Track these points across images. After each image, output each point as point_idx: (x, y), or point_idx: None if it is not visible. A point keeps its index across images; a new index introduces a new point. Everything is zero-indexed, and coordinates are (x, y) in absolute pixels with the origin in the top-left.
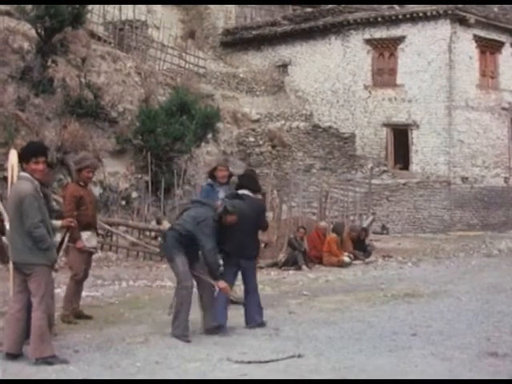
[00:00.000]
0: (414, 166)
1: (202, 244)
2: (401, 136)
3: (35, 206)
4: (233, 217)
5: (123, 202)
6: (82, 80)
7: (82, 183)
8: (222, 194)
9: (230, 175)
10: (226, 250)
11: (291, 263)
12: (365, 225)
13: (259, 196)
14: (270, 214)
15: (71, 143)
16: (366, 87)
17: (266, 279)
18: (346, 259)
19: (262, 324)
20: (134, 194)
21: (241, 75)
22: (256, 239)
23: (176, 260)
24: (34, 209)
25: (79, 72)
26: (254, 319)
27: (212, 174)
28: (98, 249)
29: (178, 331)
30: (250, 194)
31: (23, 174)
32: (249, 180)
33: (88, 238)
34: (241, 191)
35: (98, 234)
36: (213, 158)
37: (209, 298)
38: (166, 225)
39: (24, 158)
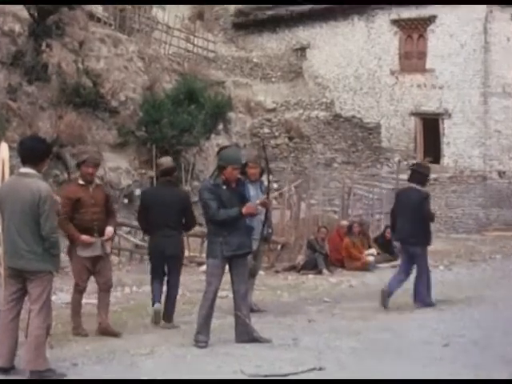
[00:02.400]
0: (446, 160)
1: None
2: (431, 126)
3: (54, 208)
4: None
5: (125, 200)
6: (80, 66)
7: (82, 182)
8: (252, 192)
9: (262, 171)
10: (396, 237)
11: (311, 267)
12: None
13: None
14: (287, 213)
15: (68, 135)
16: (392, 72)
17: (284, 284)
18: (370, 258)
19: (430, 304)
20: (138, 192)
21: (254, 60)
22: (423, 228)
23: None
24: (54, 211)
25: (76, 57)
26: (424, 301)
27: (243, 171)
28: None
29: (195, 336)
30: (418, 187)
31: (30, 170)
32: (419, 175)
33: (84, 246)
34: (410, 185)
35: (111, 239)
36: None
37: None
38: None
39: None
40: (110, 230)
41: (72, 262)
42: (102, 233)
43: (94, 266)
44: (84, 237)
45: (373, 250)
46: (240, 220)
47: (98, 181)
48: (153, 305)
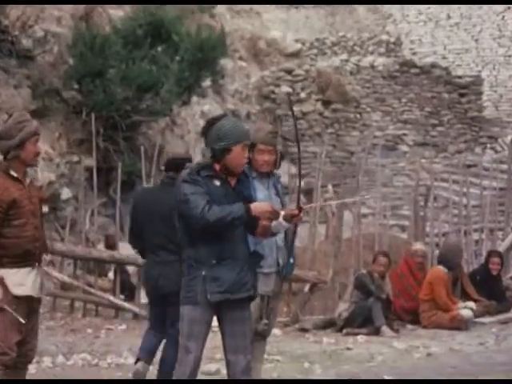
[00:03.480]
0: None
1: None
2: None
3: None
4: None
5: (45, 209)
6: None
7: (13, 172)
8: (262, 193)
9: (278, 159)
10: None
11: (361, 322)
12: (501, 249)
13: None
14: (320, 230)
15: None
16: None
17: (315, 351)
18: (466, 313)
19: None
20: (66, 193)
21: None
22: None
23: None
24: None
25: None
26: None
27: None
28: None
29: None
30: None
31: None
32: None
33: (20, 281)
34: None
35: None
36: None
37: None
38: (126, 249)
39: None
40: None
41: None
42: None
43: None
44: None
45: (472, 304)
46: (241, 238)
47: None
48: (135, 362)
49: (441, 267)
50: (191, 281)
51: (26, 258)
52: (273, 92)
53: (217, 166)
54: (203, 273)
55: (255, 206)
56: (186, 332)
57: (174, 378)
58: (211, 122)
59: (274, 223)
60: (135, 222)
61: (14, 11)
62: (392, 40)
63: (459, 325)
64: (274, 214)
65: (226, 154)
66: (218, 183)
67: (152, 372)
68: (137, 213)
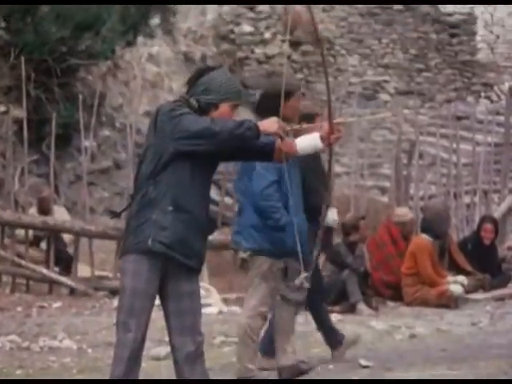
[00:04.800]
0: None
1: None
2: None
3: None
4: None
5: None
6: None
7: None
8: None
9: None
10: None
11: (334, 298)
12: (496, 214)
13: None
14: None
15: None
16: None
17: None
18: (456, 288)
19: None
20: None
21: None
22: None
23: None
24: None
25: None
26: None
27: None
28: None
29: None
30: None
31: None
32: None
33: None
34: None
35: None
36: (169, 69)
37: None
38: (61, 214)
39: None
40: None
41: None
42: None
43: None
44: None
45: (462, 278)
46: (205, 200)
47: None
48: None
49: (425, 236)
50: (140, 226)
51: None
52: (232, 31)
53: None
54: (154, 216)
55: (261, 123)
56: (126, 305)
57: (113, 360)
58: (201, 72)
59: (298, 139)
60: None
61: None
62: None
63: (448, 302)
64: (282, 128)
65: (213, 109)
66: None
67: None
68: None
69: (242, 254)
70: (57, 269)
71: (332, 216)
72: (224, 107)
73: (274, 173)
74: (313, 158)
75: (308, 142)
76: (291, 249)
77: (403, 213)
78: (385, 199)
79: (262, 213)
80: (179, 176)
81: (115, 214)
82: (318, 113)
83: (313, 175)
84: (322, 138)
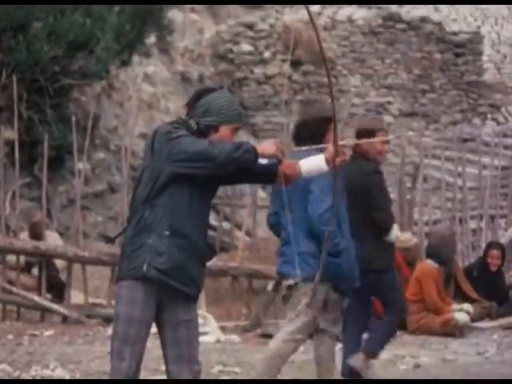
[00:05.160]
0: None
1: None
2: None
3: None
4: None
5: None
6: None
7: None
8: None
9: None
10: None
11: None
12: (503, 240)
13: None
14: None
15: None
16: None
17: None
18: (462, 317)
19: None
20: None
21: None
22: None
23: None
24: None
25: None
26: None
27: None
28: None
29: None
30: None
31: None
32: None
33: None
34: None
35: None
36: (166, 89)
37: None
38: (54, 239)
39: None
40: None
41: None
42: None
43: None
44: None
45: (468, 306)
46: (204, 224)
47: None
48: None
49: (431, 261)
50: (136, 251)
51: None
52: (230, 51)
53: None
54: (150, 241)
55: (259, 145)
56: (120, 333)
57: None
58: (201, 93)
59: (302, 161)
60: None
61: None
62: None
63: (453, 330)
64: (281, 150)
65: (212, 131)
66: None
67: None
68: None
69: (290, 282)
70: (49, 296)
71: (395, 232)
72: (224, 130)
73: (330, 197)
74: (374, 172)
75: (313, 164)
76: (346, 274)
77: (406, 238)
78: None
79: (321, 237)
80: (176, 200)
81: (109, 239)
82: (381, 128)
83: (379, 192)
84: (327, 161)
